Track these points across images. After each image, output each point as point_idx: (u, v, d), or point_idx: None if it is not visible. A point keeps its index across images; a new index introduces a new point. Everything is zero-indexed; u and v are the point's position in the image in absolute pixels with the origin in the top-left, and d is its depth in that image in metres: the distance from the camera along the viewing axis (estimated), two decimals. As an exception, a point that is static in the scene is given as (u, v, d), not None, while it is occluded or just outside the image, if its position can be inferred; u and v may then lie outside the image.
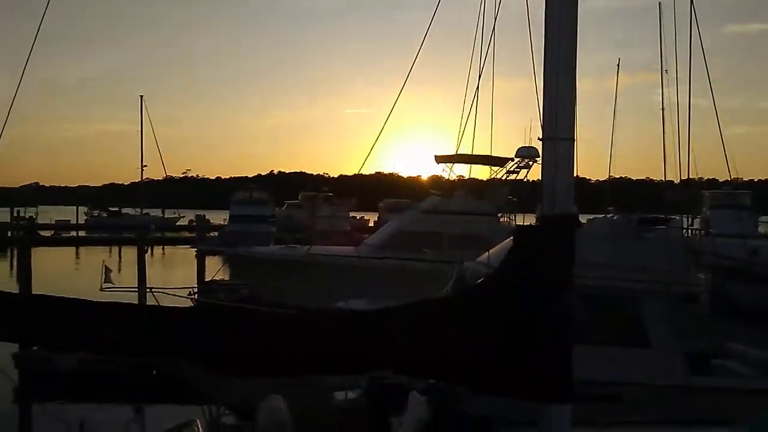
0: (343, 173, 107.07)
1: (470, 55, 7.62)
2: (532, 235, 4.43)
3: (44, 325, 3.92)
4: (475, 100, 7.31)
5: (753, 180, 57.52)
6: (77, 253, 46.50)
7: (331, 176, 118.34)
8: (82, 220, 69.60)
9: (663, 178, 8.13)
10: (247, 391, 5.08)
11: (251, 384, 4.57)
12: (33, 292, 17.84)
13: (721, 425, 4.94)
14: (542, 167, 4.25)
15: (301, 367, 4.12)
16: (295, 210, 58.04)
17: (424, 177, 38.05)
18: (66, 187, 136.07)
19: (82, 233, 61.12)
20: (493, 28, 6.62)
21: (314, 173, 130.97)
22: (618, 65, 27.25)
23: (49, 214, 69.75)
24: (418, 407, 4.57)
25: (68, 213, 71.72)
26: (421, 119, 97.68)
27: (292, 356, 4.08)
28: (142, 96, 58.55)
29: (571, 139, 4.22)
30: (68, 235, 58.74)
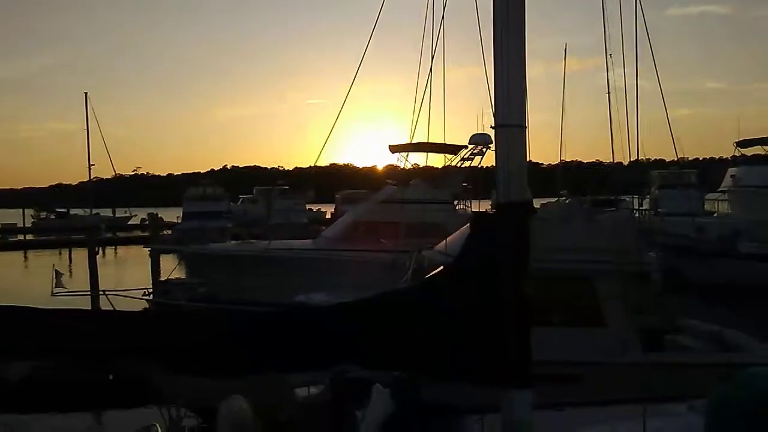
0: (298, 165, 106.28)
1: (421, 43, 7.64)
2: (488, 222, 4.47)
3: None
4: (427, 89, 7.34)
5: (698, 159, 59.28)
6: (25, 257, 45.18)
7: (286, 169, 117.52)
8: (29, 222, 67.59)
9: (612, 161, 8.29)
10: (208, 392, 5.02)
11: (211, 384, 4.51)
12: (-20, 301, 17.24)
13: (678, 400, 5.07)
14: (495, 155, 4.29)
15: (261, 366, 4.09)
16: (251, 204, 57.50)
17: (380, 167, 38.06)
18: (11, 189, 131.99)
19: (29, 236, 59.41)
20: (443, 17, 6.62)
21: (269, 167, 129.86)
22: (565, 50, 27.70)
23: (-6, 218, 67.59)
24: (381, 400, 4.58)
25: (14, 216, 69.52)
26: (376, 109, 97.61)
27: (251, 354, 4.04)
28: (86, 93, 57.04)
29: (523, 126, 4.26)
30: (15, 239, 57.08)
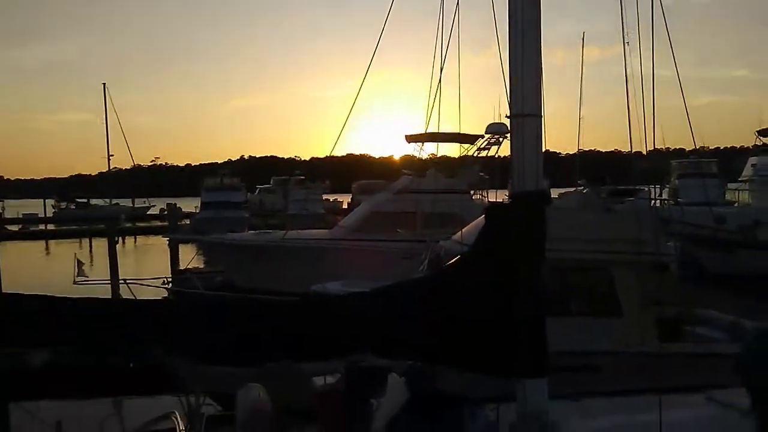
0: (315, 156, 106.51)
1: (435, 33, 7.62)
2: (504, 212, 4.47)
3: (17, 323, 3.88)
4: (440, 78, 7.33)
5: (719, 148, 58.49)
6: (47, 247, 45.76)
7: (303, 159, 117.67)
8: (50, 213, 68.42)
9: (630, 150, 8.22)
10: (226, 380, 5.07)
11: (230, 372, 4.56)
12: (3, 289, 17.52)
13: (696, 391, 5.05)
14: (511, 144, 4.28)
15: (278, 354, 4.13)
16: (268, 194, 57.74)
17: (396, 157, 37.99)
18: (32, 179, 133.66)
19: (51, 226, 60.15)
20: (457, 4, 6.60)
21: (285, 157, 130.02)
22: (583, 38, 27.40)
23: (16, 209, 68.44)
24: (397, 389, 4.60)
25: (35, 206, 70.40)
26: (393, 99, 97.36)
27: (269, 343, 4.09)
28: (105, 84, 57.49)
29: (539, 116, 4.25)
30: (37, 228, 57.79)
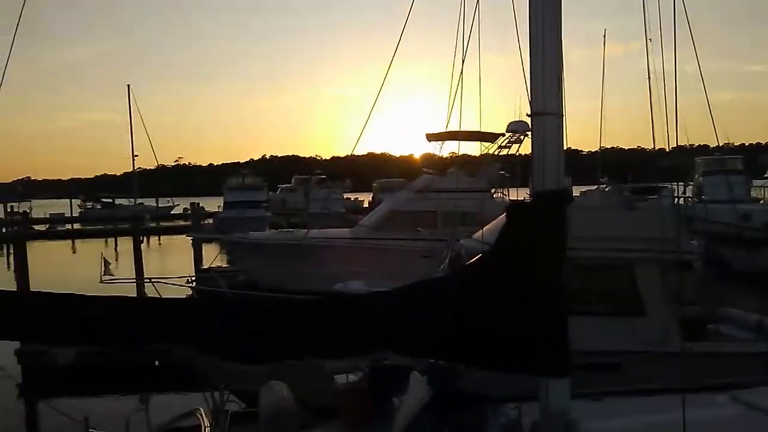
0: (336, 155, 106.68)
1: (456, 31, 7.62)
2: (525, 211, 4.47)
3: (45, 321, 3.96)
4: (461, 77, 7.33)
5: (744, 144, 57.64)
6: (73, 246, 46.42)
7: (324, 158, 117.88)
8: (76, 212, 69.37)
9: (653, 147, 8.14)
10: (249, 378, 5.13)
11: (253, 370, 4.62)
12: (32, 288, 17.84)
13: (721, 390, 5.01)
14: (532, 143, 4.28)
15: (301, 352, 4.17)
16: (289, 194, 57.99)
17: (417, 155, 37.92)
18: (58, 180, 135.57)
19: (77, 226, 60.97)
20: (477, 2, 6.60)
21: (307, 156, 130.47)
22: (604, 36, 27.10)
23: (43, 208, 69.50)
24: (418, 387, 4.62)
25: (62, 206, 71.44)
26: (413, 98, 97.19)
27: (292, 341, 4.13)
28: (129, 85, 57.74)
29: (559, 114, 4.24)
30: (63, 228, 58.62)
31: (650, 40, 6.76)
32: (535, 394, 4.18)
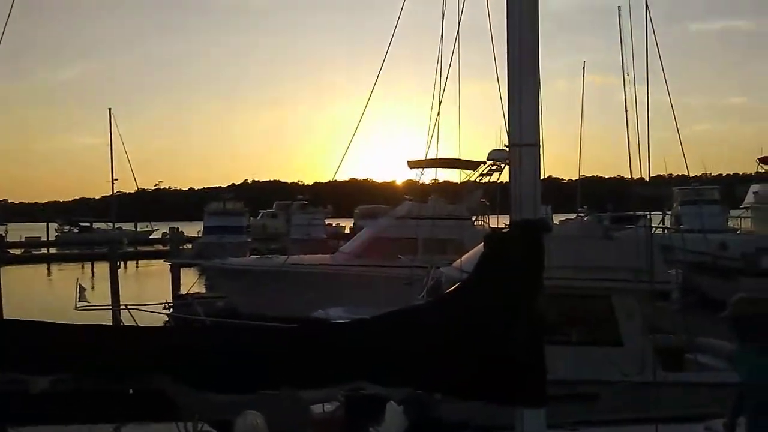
0: (318, 180, 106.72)
1: (436, 59, 7.73)
2: (502, 240, 4.49)
3: (17, 350, 3.90)
4: (441, 105, 7.42)
5: (721, 175, 58.56)
6: (49, 271, 45.79)
7: (306, 184, 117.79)
8: (53, 236, 68.53)
9: (630, 176, 8.27)
10: (224, 407, 5.07)
11: (228, 400, 4.56)
12: (4, 315, 17.51)
13: (695, 420, 5.04)
14: (509, 173, 4.32)
15: (277, 381, 4.13)
16: (270, 219, 57.85)
17: (399, 182, 38.10)
18: (35, 203, 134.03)
19: (53, 250, 60.23)
20: (457, 32, 6.69)
21: (289, 181, 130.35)
22: (584, 68, 27.62)
23: (19, 232, 68.60)
24: (395, 417, 4.59)
25: (38, 230, 70.55)
26: (396, 125, 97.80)
27: (268, 370, 4.09)
28: (110, 109, 57.66)
29: (537, 145, 4.29)
30: (39, 252, 57.85)
31: (627, 73, 6.91)
32: (511, 423, 4.16)
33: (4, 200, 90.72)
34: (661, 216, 12.92)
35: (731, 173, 65.99)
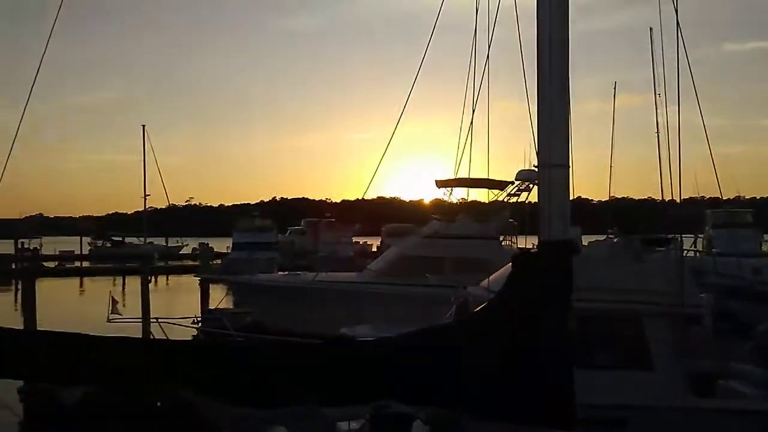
0: (346, 198, 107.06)
1: (466, 79, 7.77)
2: (530, 260, 4.49)
3: (50, 361, 3.98)
4: (471, 125, 7.45)
5: (756, 197, 57.44)
6: (81, 284, 46.51)
7: (334, 201, 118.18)
8: (86, 250, 69.69)
9: (661, 197, 8.20)
10: (251, 422, 5.09)
11: (254, 415, 4.59)
12: (39, 327, 17.83)
13: None
14: (538, 193, 4.33)
15: (303, 398, 4.16)
16: (299, 236, 58.17)
17: (426, 201, 38.14)
18: (69, 217, 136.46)
19: (86, 264, 61.20)
20: (487, 55, 6.75)
21: (317, 199, 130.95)
22: (614, 88, 27.46)
23: (54, 245, 69.89)
24: (421, 436, 4.57)
25: (72, 243, 71.80)
26: (425, 144, 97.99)
27: (294, 386, 4.12)
28: (144, 126, 58.88)
29: (567, 166, 4.30)
30: (72, 265, 58.83)
31: (659, 95, 6.88)
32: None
33: (39, 214, 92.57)
34: (692, 238, 12.73)
35: (766, 196, 64.73)
